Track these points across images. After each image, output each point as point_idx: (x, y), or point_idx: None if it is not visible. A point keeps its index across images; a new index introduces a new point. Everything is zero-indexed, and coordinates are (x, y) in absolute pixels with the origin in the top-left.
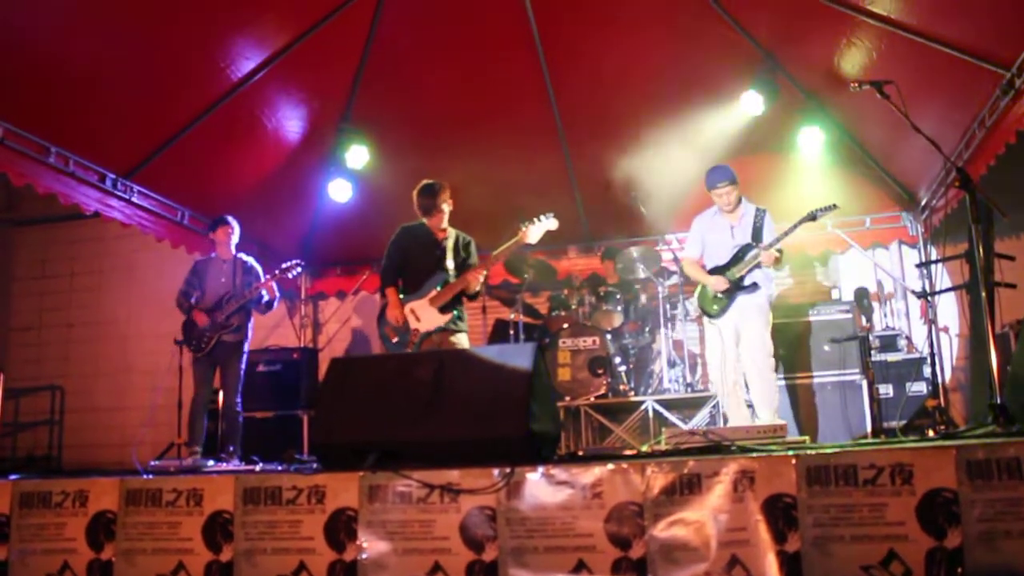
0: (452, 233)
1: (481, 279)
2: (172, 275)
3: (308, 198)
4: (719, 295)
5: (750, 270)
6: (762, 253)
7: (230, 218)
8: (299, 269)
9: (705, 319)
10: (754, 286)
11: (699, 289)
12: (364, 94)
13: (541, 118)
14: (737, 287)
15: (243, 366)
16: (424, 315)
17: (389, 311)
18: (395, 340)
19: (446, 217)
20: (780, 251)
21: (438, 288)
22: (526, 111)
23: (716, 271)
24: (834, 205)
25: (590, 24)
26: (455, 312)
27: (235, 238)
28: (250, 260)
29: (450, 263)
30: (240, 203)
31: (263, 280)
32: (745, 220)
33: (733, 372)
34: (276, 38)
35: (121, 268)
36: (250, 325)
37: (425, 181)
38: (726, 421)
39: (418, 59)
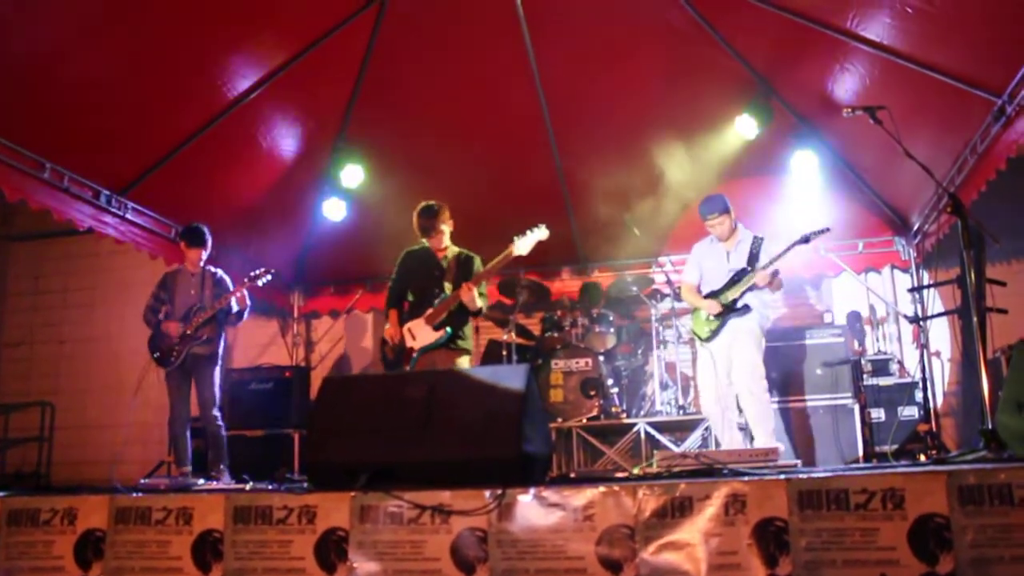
0: (452, 252)
1: (476, 294)
2: None
3: (302, 216)
4: (711, 318)
5: (743, 293)
6: (756, 274)
7: (208, 236)
8: (269, 277)
9: (698, 342)
10: (746, 308)
11: (693, 313)
12: (360, 113)
13: (536, 140)
14: (730, 309)
15: (217, 379)
16: (419, 333)
17: (386, 329)
18: (391, 359)
19: (446, 237)
20: (777, 271)
21: (434, 306)
22: (521, 133)
23: (711, 296)
24: (827, 228)
25: (586, 48)
26: (450, 330)
27: (205, 255)
28: (219, 272)
29: (448, 282)
30: (234, 221)
31: (232, 291)
32: (741, 246)
33: (725, 396)
34: (273, 57)
35: (114, 285)
36: (221, 336)
37: (424, 203)
38: (718, 444)
39: (414, 79)
